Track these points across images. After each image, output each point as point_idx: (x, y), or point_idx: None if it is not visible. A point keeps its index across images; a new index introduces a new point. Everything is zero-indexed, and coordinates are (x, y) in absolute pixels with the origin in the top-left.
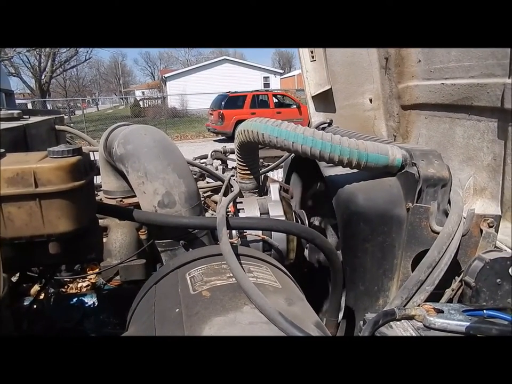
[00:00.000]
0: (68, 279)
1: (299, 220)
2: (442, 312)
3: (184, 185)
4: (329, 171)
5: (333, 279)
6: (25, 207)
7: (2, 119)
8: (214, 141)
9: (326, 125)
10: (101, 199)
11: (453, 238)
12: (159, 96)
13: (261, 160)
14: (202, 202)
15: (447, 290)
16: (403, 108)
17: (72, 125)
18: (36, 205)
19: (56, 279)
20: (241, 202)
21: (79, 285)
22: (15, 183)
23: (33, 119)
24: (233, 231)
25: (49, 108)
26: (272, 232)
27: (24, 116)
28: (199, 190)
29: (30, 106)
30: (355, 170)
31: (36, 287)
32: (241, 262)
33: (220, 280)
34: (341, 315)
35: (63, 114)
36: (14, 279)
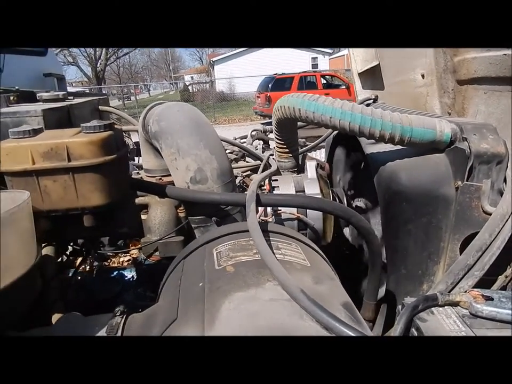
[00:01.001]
0: (111, 254)
1: (336, 199)
2: (492, 299)
3: (216, 162)
4: (371, 148)
5: (370, 260)
6: (60, 181)
7: (48, 100)
8: (261, 123)
9: (371, 101)
10: (141, 178)
11: (507, 220)
12: (207, 81)
13: (303, 140)
14: (242, 181)
15: (499, 276)
16: (459, 82)
17: (126, 110)
18: (70, 179)
19: (100, 253)
20: (276, 180)
21: (121, 259)
22: (50, 157)
23: (77, 100)
24: (269, 209)
25: None
26: (308, 211)
27: (69, 97)
28: (239, 169)
29: None
30: (399, 147)
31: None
32: (270, 238)
33: (246, 256)
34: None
35: (107, 96)
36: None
